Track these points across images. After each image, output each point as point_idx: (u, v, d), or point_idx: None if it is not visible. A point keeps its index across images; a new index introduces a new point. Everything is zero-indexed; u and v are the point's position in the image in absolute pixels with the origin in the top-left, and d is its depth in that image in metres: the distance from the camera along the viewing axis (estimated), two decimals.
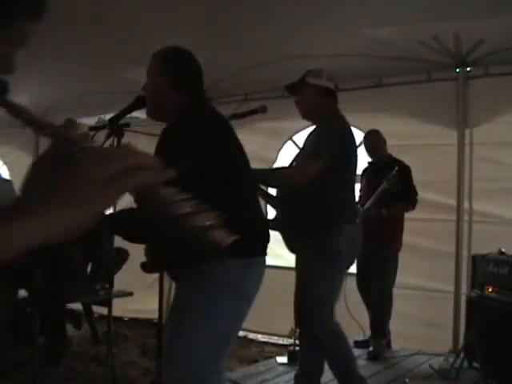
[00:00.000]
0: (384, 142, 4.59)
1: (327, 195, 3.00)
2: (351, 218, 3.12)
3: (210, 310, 1.91)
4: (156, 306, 3.28)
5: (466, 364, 3.65)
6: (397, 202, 4.33)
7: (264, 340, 5.67)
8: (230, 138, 2.10)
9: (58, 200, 0.62)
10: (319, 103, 3.14)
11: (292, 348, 4.23)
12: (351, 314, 4.27)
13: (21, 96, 5.64)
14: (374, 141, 4.59)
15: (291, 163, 3.29)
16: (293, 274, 3.18)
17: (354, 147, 3.16)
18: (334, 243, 3.00)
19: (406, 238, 4.49)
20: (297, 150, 4.20)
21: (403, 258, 4.46)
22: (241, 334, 5.39)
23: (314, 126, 3.22)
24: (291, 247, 3.22)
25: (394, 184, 4.24)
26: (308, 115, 3.22)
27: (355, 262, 4.52)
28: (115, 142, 2.53)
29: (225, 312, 1.93)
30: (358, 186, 4.81)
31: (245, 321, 2.08)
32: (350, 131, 3.18)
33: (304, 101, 3.16)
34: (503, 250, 3.77)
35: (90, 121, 5.24)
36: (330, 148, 2.97)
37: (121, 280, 4.23)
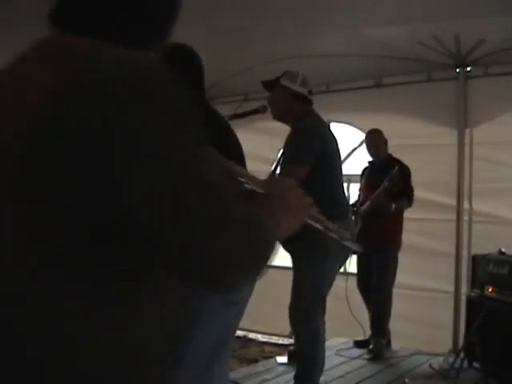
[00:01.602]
0: (385, 141, 4.58)
1: (313, 194, 3.01)
2: (341, 215, 3.14)
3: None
4: None
5: (466, 364, 3.64)
6: (399, 200, 4.35)
7: (264, 340, 5.67)
8: (230, 139, 2.09)
9: (285, 214, 0.95)
10: (287, 105, 3.19)
11: (292, 348, 4.23)
12: (353, 313, 4.28)
13: None
14: (375, 140, 4.59)
15: (275, 168, 3.32)
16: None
17: (334, 144, 3.20)
18: (323, 242, 3.01)
19: (406, 237, 4.49)
20: None
21: (403, 257, 4.46)
22: (241, 334, 5.39)
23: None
24: (285, 247, 3.26)
25: (396, 183, 4.25)
26: (277, 116, 3.26)
27: (355, 261, 4.56)
28: None
29: (214, 313, 1.91)
30: (357, 186, 4.83)
31: (245, 321, 2.07)
32: (328, 128, 3.23)
33: (273, 100, 3.19)
34: (503, 250, 3.77)
35: None
36: (312, 149, 3.02)
37: None
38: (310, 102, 3.25)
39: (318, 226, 1.10)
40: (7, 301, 0.73)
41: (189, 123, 0.75)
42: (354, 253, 4.34)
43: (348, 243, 1.06)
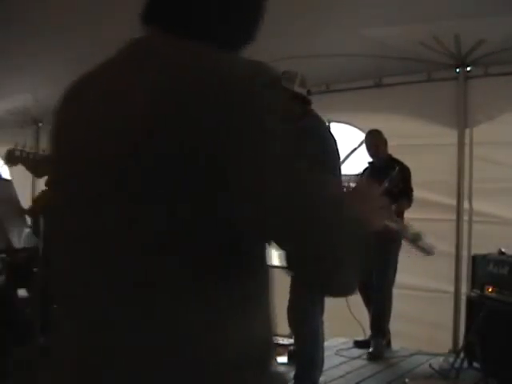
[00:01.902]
0: (385, 142, 4.58)
1: None
2: None
3: None
4: None
5: (466, 364, 3.65)
6: (399, 200, 4.35)
7: None
8: None
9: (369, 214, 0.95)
10: (287, 105, 3.17)
11: (292, 348, 4.23)
12: (353, 313, 4.28)
13: (23, 94, 5.63)
14: (375, 140, 4.59)
15: None
16: None
17: (334, 145, 3.22)
18: None
19: None
20: None
21: (403, 257, 4.45)
22: None
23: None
24: None
25: (396, 184, 4.24)
26: None
27: None
28: None
29: None
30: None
31: None
32: (328, 129, 3.24)
33: None
34: (503, 250, 3.77)
35: None
36: (311, 149, 3.02)
37: None
38: (308, 102, 3.25)
39: (395, 225, 1.17)
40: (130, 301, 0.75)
41: (289, 125, 0.78)
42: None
43: (423, 243, 1.08)
